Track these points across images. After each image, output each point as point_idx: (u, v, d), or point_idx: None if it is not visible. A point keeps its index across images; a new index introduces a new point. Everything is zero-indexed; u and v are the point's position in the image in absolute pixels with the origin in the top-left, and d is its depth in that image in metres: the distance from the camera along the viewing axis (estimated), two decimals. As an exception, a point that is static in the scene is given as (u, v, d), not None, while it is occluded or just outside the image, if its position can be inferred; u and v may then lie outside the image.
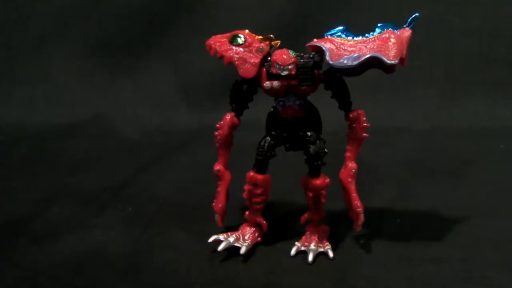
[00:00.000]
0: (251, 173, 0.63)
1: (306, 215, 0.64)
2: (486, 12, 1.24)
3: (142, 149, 1.09)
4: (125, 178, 0.90)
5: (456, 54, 1.25)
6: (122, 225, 0.72)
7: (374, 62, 0.56)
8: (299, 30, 1.20)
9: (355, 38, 0.58)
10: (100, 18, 1.34)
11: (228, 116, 0.63)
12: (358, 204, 0.61)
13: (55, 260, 0.63)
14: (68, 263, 0.62)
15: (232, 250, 0.62)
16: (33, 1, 1.35)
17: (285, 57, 0.58)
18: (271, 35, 0.62)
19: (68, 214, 0.76)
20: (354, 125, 0.61)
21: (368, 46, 0.56)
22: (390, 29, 0.57)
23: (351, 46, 0.57)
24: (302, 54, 0.59)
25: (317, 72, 0.59)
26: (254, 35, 0.61)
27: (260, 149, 0.62)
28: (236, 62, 0.60)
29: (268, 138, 0.62)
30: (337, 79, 0.61)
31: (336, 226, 0.66)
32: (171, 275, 0.59)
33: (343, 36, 0.58)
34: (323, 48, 0.57)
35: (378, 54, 0.55)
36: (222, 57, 0.61)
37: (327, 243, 0.63)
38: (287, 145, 0.63)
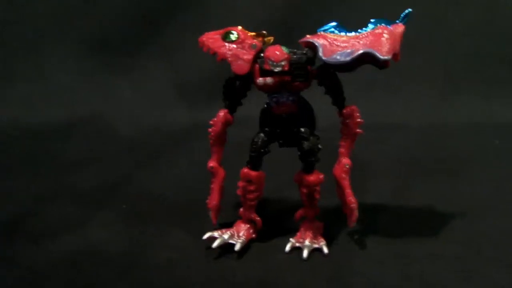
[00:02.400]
0: (245, 170, 0.63)
1: (300, 211, 0.65)
2: (484, 11, 1.24)
3: (139, 148, 1.09)
4: (123, 177, 0.90)
5: (453, 51, 1.25)
6: (120, 224, 0.72)
7: (367, 58, 0.56)
8: (292, 26, 1.20)
9: (348, 34, 0.58)
10: (97, 18, 1.33)
11: (221, 113, 0.62)
12: (352, 200, 0.61)
13: (54, 259, 0.63)
14: (67, 262, 0.62)
15: (227, 247, 0.62)
16: (32, 1, 1.35)
17: (278, 53, 0.58)
18: (264, 32, 0.62)
19: (67, 213, 0.76)
20: (347, 121, 0.61)
21: (361, 42, 0.56)
22: (383, 24, 0.57)
23: (344, 42, 0.57)
24: (295, 50, 0.59)
25: (310, 68, 0.59)
26: (247, 31, 0.61)
27: (254, 146, 0.62)
28: (229, 59, 0.60)
29: (261, 134, 0.62)
30: (331, 75, 0.61)
31: (330, 222, 0.66)
32: (167, 273, 0.59)
33: (336, 32, 0.58)
34: (316, 44, 0.57)
35: (371, 50, 0.55)
36: (215, 53, 0.61)
37: (322, 239, 0.63)
38: (280, 141, 0.63)
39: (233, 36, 0.60)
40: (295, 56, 0.58)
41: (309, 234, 0.63)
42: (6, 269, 0.61)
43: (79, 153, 1.06)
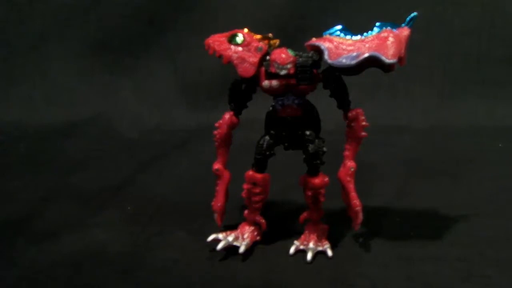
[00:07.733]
0: (250, 172, 0.63)
1: (305, 214, 0.65)
2: (485, 11, 1.24)
3: (141, 149, 1.09)
4: (124, 178, 0.90)
5: (455, 53, 1.25)
6: (121, 224, 0.72)
7: (372, 61, 0.56)
8: (298, 29, 1.20)
9: (353, 37, 0.58)
10: (99, 18, 1.34)
11: (227, 115, 0.62)
12: (357, 203, 0.61)
13: (55, 260, 0.63)
14: (68, 263, 0.62)
15: (231, 249, 0.62)
16: (33, 1, 1.35)
17: (283, 56, 0.58)
18: (270, 34, 0.62)
19: (68, 213, 0.76)
20: (353, 124, 0.61)
21: (366, 45, 0.56)
22: (388, 28, 0.57)
23: (349, 45, 0.57)
24: (301, 53, 0.59)
25: (315, 71, 0.59)
26: (253, 34, 0.61)
27: (259, 148, 0.62)
28: (235, 61, 0.60)
29: (267, 137, 0.62)
30: (336, 78, 0.61)
31: (335, 225, 0.67)
32: (170, 274, 0.59)
33: (342, 35, 0.58)
34: (322, 47, 0.57)
35: (376, 53, 0.55)
36: (221, 56, 0.61)
37: (326, 242, 0.63)
38: (286, 144, 0.63)
39: (239, 39, 0.60)
40: (300, 59, 0.58)
41: (314, 236, 0.64)
42: (7, 269, 0.61)
43: (81, 154, 1.06)
